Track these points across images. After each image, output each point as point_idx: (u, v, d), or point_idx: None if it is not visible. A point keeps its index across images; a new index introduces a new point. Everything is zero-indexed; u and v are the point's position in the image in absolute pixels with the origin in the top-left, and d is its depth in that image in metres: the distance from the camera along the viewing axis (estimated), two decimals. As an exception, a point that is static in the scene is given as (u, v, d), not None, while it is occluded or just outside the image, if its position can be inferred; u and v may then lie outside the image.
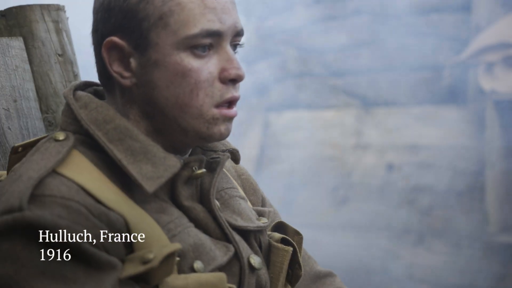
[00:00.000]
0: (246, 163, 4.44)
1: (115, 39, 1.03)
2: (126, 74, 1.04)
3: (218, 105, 1.04)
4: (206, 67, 1.03)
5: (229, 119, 1.05)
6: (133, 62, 1.03)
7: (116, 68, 1.04)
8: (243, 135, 4.64)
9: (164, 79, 1.02)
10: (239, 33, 1.06)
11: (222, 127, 1.04)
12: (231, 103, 1.05)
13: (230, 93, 1.04)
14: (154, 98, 1.03)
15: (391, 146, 3.95)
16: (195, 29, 1.00)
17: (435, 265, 3.70)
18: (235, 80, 1.04)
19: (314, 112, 4.35)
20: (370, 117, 4.08)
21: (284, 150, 4.42)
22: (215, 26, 1.01)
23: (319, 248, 4.02)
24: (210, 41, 1.03)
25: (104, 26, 1.05)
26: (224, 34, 1.03)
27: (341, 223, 4.07)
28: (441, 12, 3.93)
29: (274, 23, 4.82)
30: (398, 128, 3.93)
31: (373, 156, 4.01)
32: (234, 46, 1.09)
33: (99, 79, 1.10)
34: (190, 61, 1.01)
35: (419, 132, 3.85)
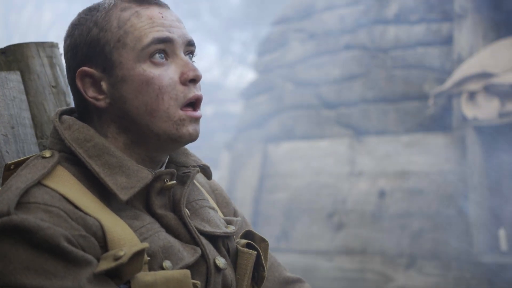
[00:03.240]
0: (246, 191, 4.53)
1: (85, 68, 1.15)
2: (100, 96, 1.15)
3: (183, 107, 1.13)
4: (166, 73, 1.13)
5: (195, 120, 1.15)
6: (104, 84, 1.14)
7: (90, 93, 1.15)
8: (243, 166, 4.71)
9: (132, 91, 1.13)
10: (190, 43, 1.17)
11: (190, 128, 1.14)
12: (195, 104, 1.15)
13: (192, 92, 1.14)
14: (127, 111, 1.14)
15: (383, 173, 4.01)
16: (147, 39, 1.12)
17: (427, 286, 3.71)
18: (194, 80, 1.14)
19: (310, 142, 4.42)
20: (362, 146, 4.14)
21: (283, 179, 4.48)
22: (164, 34, 1.13)
23: (317, 274, 4.08)
24: (163, 47, 1.14)
25: (74, 61, 1.17)
26: (175, 41, 1.14)
27: (337, 248, 4.10)
28: (425, 45, 4.02)
29: (271, 58, 4.95)
30: (388, 156, 3.98)
31: (366, 183, 4.06)
32: (189, 56, 1.19)
33: (78, 111, 1.21)
34: (151, 70, 1.13)
35: (408, 159, 3.90)
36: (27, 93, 1.48)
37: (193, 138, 1.14)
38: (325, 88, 4.46)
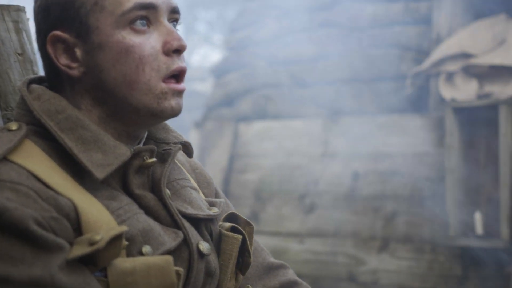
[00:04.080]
0: (216, 173, 4.44)
1: (58, 32, 1.06)
2: (74, 64, 1.07)
3: (165, 79, 1.06)
4: (148, 42, 1.05)
5: (179, 93, 1.07)
6: (78, 51, 1.06)
7: (63, 61, 1.07)
8: (213, 145, 4.63)
9: (109, 59, 1.05)
10: (174, 10, 1.09)
11: (173, 102, 1.06)
12: (179, 77, 1.08)
13: (176, 63, 1.06)
14: (103, 81, 1.06)
15: (357, 154, 3.97)
16: (128, 4, 1.04)
17: (400, 270, 3.71)
18: (178, 51, 1.07)
19: (282, 122, 4.36)
20: (337, 127, 4.09)
21: (254, 160, 4.41)
22: None
23: (288, 256, 4.03)
24: (145, 14, 1.06)
25: (45, 24, 1.08)
26: (159, 7, 1.06)
27: (309, 230, 4.07)
28: (403, 24, 3.98)
29: (244, 35, 4.85)
30: (363, 137, 3.94)
31: (340, 164, 4.02)
32: (173, 24, 1.11)
33: (48, 79, 1.12)
34: (131, 37, 1.04)
35: (384, 141, 3.86)
36: None
37: (175, 112, 1.07)
38: (299, 67, 4.40)
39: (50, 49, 1.07)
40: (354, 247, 3.88)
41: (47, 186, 0.99)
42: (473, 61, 3.52)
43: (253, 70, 4.62)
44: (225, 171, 4.44)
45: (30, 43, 1.46)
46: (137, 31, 1.05)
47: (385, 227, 3.79)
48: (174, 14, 1.10)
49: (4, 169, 0.98)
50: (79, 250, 0.96)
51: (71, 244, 0.97)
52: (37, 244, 0.93)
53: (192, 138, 4.75)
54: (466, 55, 3.57)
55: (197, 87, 8.89)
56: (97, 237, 0.96)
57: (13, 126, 1.04)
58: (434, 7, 3.83)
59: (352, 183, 3.96)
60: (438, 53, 3.64)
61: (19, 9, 1.44)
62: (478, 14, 3.78)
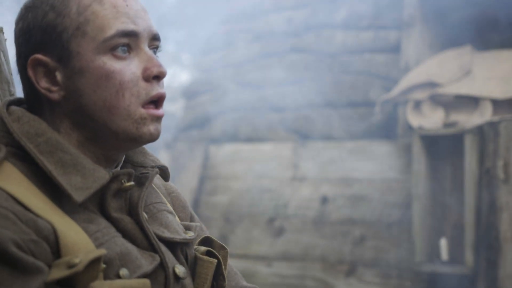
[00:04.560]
0: (186, 194, 4.43)
1: (39, 56, 1.07)
2: (54, 88, 1.07)
3: (145, 104, 1.08)
4: (129, 68, 1.07)
5: (157, 119, 1.09)
6: (58, 75, 1.07)
7: (43, 84, 1.07)
8: (183, 167, 4.62)
9: (90, 84, 1.06)
10: (155, 37, 1.11)
11: (152, 127, 1.08)
12: (158, 102, 1.09)
13: (155, 90, 1.08)
14: (83, 106, 1.07)
15: (326, 179, 4.01)
16: (110, 31, 1.05)
17: None
18: (158, 77, 1.09)
19: (253, 145, 4.38)
20: (306, 151, 4.13)
21: (224, 182, 4.42)
22: (129, 27, 1.07)
23: (256, 279, 4.03)
24: (127, 41, 1.07)
25: (26, 48, 1.08)
26: (140, 35, 1.08)
27: (277, 254, 4.08)
28: (373, 52, 4.06)
29: (215, 57, 4.88)
30: (332, 162, 3.98)
31: (309, 188, 4.06)
32: (154, 51, 1.13)
33: (27, 102, 1.13)
34: (112, 63, 1.06)
35: (352, 166, 3.91)
36: None
37: (154, 138, 1.09)
38: (270, 91, 4.44)
39: (30, 72, 1.07)
40: (322, 271, 3.90)
41: (26, 208, 0.99)
42: (440, 90, 3.60)
43: (224, 92, 4.64)
44: (195, 193, 4.44)
45: (8, 63, 1.48)
46: (118, 57, 1.06)
47: (353, 251, 3.83)
48: (154, 41, 1.12)
49: None
50: (58, 273, 0.97)
51: (50, 267, 0.98)
52: (16, 267, 0.93)
53: (163, 159, 4.74)
54: (433, 84, 3.65)
55: (167, 108, 8.87)
56: (76, 260, 0.97)
57: None
58: (403, 36, 3.91)
59: (321, 207, 3.99)
60: (406, 82, 3.71)
61: None
62: (445, 44, 3.88)
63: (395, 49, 3.95)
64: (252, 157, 4.33)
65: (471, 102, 3.53)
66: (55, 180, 1.03)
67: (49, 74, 1.07)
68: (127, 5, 1.08)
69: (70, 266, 0.97)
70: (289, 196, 4.10)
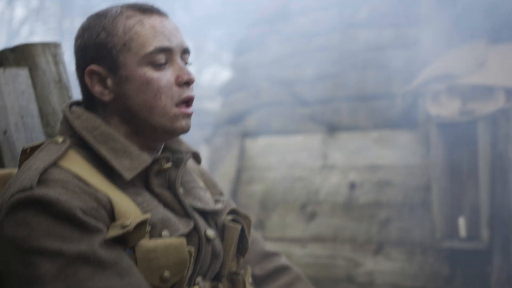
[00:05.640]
0: (225, 184, 4.69)
1: (94, 66, 1.26)
2: (105, 92, 1.27)
3: (178, 104, 1.26)
4: (164, 76, 1.25)
5: (188, 115, 1.27)
6: (109, 81, 1.26)
7: (97, 89, 1.27)
8: (221, 160, 4.83)
9: (134, 89, 1.25)
10: (185, 50, 1.29)
11: (183, 122, 1.26)
12: (188, 103, 1.28)
13: (186, 93, 1.27)
14: (128, 106, 1.26)
15: (353, 166, 4.18)
16: (150, 48, 1.24)
17: (393, 271, 3.91)
18: (187, 83, 1.27)
19: (285, 138, 4.56)
20: (334, 141, 4.30)
21: (259, 172, 4.62)
22: (165, 44, 1.25)
23: (291, 260, 4.26)
24: (163, 55, 1.25)
25: (83, 61, 1.28)
26: (173, 50, 1.26)
27: (310, 236, 4.27)
28: (394, 48, 4.19)
29: (249, 57, 5.08)
30: (359, 151, 4.16)
31: (338, 176, 4.23)
32: (185, 63, 1.30)
33: (84, 103, 1.33)
34: (151, 73, 1.24)
35: (377, 154, 4.08)
36: (34, 87, 1.62)
37: (185, 130, 1.27)
38: (300, 87, 4.63)
39: (87, 79, 1.27)
40: (352, 251, 4.08)
41: (88, 184, 1.19)
42: (457, 81, 3.77)
43: (258, 89, 4.86)
44: (233, 183, 4.65)
45: (66, 72, 1.72)
46: (156, 68, 1.24)
47: (380, 232, 3.99)
48: (185, 54, 1.29)
49: (55, 172, 1.18)
50: (114, 232, 1.15)
51: (108, 228, 1.16)
52: (82, 227, 1.13)
53: (202, 153, 5.00)
54: (450, 76, 3.78)
55: (207, 106, 9.11)
56: (127, 222, 1.15)
57: (59, 139, 1.26)
58: (421, 32, 4.05)
59: (349, 192, 4.16)
60: (425, 74, 3.86)
61: (56, 45, 1.70)
62: (461, 39, 4.00)
63: (414, 44, 4.09)
64: (284, 148, 4.52)
65: (486, 91, 3.68)
66: (109, 163, 1.23)
67: (102, 81, 1.26)
68: (163, 26, 1.26)
69: (123, 227, 1.15)
70: (319, 184, 4.28)
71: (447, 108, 3.73)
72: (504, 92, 3.63)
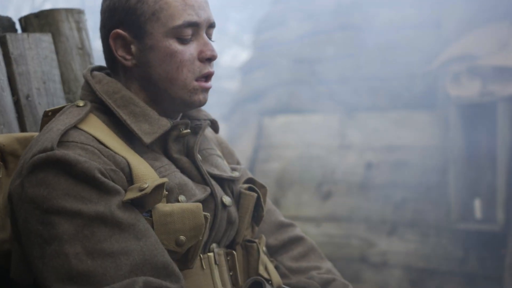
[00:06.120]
0: (242, 161, 4.72)
1: (119, 30, 1.27)
2: (128, 57, 1.28)
3: (197, 79, 1.28)
4: (188, 50, 1.26)
5: (206, 90, 1.29)
6: (133, 47, 1.27)
7: (120, 53, 1.28)
8: (239, 137, 4.89)
9: (157, 59, 1.26)
10: (212, 25, 1.31)
11: (201, 96, 1.29)
12: (207, 77, 1.30)
13: (207, 69, 1.28)
14: (150, 74, 1.27)
15: (370, 146, 4.20)
16: (179, 21, 1.25)
17: (407, 252, 3.94)
18: (210, 59, 1.29)
19: (303, 116, 4.60)
20: (353, 121, 4.31)
21: (276, 151, 4.65)
22: (193, 18, 1.26)
23: None
24: (191, 31, 1.26)
25: (110, 22, 1.29)
26: (201, 25, 1.28)
27: (325, 215, 4.31)
28: (415, 28, 4.21)
29: (269, 36, 5.11)
30: (376, 131, 4.18)
31: (354, 155, 4.25)
32: (209, 37, 1.33)
33: (106, 64, 1.34)
34: (176, 45, 1.26)
35: (395, 134, 4.09)
36: (57, 53, 1.63)
37: (202, 104, 1.30)
38: (319, 66, 4.64)
39: (111, 42, 1.27)
40: (366, 231, 4.11)
41: (107, 147, 1.20)
42: (477, 62, 3.78)
43: (277, 68, 4.87)
44: (250, 161, 4.69)
45: (88, 40, 1.73)
46: (181, 42, 1.26)
47: (395, 212, 4.02)
48: (211, 28, 1.31)
49: (76, 134, 1.20)
50: (132, 194, 1.16)
51: (125, 191, 1.18)
52: (101, 188, 1.14)
53: (221, 130, 5.05)
54: (471, 57, 3.78)
55: (226, 85, 9.14)
56: (145, 185, 1.16)
57: (81, 103, 1.27)
58: (444, 12, 4.04)
59: (365, 172, 4.19)
60: (445, 55, 3.89)
61: (80, 12, 1.72)
62: (484, 20, 4.00)
63: (437, 24, 4.10)
64: (302, 127, 4.55)
65: (507, 73, 3.68)
66: (128, 127, 1.24)
67: (126, 46, 1.27)
68: None
69: (141, 189, 1.15)
70: (336, 163, 4.31)
71: (467, 90, 3.73)
72: (526, 75, 3.61)
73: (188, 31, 1.26)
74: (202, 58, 1.28)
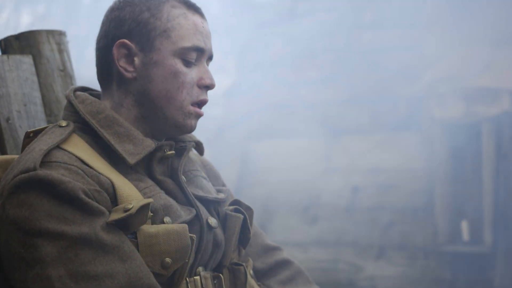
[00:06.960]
0: (227, 186, 4.71)
1: (126, 41, 1.27)
2: (130, 68, 1.27)
3: (193, 104, 1.29)
4: (190, 73, 1.28)
5: (198, 116, 1.30)
6: (136, 60, 1.27)
7: (122, 63, 1.27)
8: (225, 162, 4.87)
9: (160, 75, 1.26)
10: (211, 57, 1.35)
11: (193, 121, 1.28)
12: (201, 104, 1.31)
13: (203, 96, 1.30)
14: (149, 89, 1.27)
15: (356, 169, 4.23)
16: (188, 43, 1.27)
17: (395, 276, 3.94)
18: (208, 87, 1.31)
19: (288, 140, 4.62)
20: (338, 144, 4.35)
21: (262, 175, 4.67)
22: (201, 44, 1.29)
23: None
24: (196, 55, 1.29)
25: (116, 31, 1.29)
26: (205, 52, 1.31)
27: (312, 240, 4.31)
28: (398, 50, 4.25)
29: (253, 60, 5.10)
30: (362, 153, 4.21)
31: (340, 178, 4.28)
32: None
33: (98, 76, 1.32)
34: (181, 66, 1.27)
35: (380, 157, 4.13)
36: (38, 75, 1.61)
37: (192, 129, 1.30)
38: (304, 89, 4.67)
39: (115, 51, 1.27)
40: (354, 255, 4.11)
41: (90, 167, 1.19)
42: (461, 83, 3.81)
43: (261, 92, 4.90)
44: (235, 186, 4.68)
45: (70, 61, 1.70)
46: (185, 64, 1.27)
47: (382, 236, 4.03)
48: (209, 60, 1.34)
49: (59, 154, 1.18)
50: (116, 215, 1.14)
51: (110, 212, 1.16)
52: (85, 209, 1.12)
53: (206, 156, 5.02)
54: (455, 78, 3.85)
55: (210, 111, 9.14)
56: (130, 206, 1.15)
57: (63, 123, 1.26)
58: (427, 33, 4.09)
59: (351, 196, 4.21)
60: (429, 76, 3.93)
61: (61, 34, 1.68)
62: (466, 41, 4.05)
63: (419, 46, 4.15)
64: (287, 151, 4.57)
65: (491, 94, 3.73)
66: (112, 147, 1.23)
67: (129, 57, 1.27)
68: (203, 27, 1.30)
69: (126, 210, 1.14)
70: (322, 187, 4.33)
71: (451, 110, 3.76)
72: (509, 95, 3.67)
73: (194, 55, 1.28)
74: (201, 85, 1.30)
